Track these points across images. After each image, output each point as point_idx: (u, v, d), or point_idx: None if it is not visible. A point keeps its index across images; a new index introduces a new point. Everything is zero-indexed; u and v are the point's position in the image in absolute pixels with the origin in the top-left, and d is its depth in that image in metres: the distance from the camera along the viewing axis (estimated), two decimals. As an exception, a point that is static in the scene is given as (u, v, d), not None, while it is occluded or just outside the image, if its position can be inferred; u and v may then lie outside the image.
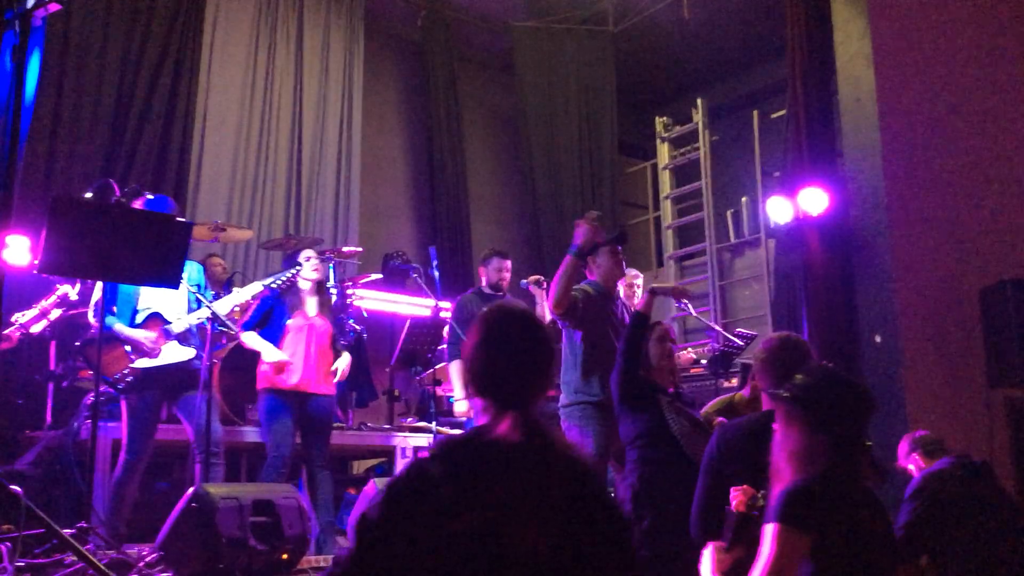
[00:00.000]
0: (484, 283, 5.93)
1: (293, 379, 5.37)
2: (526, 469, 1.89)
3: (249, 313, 5.54)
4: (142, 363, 4.88)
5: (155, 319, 4.99)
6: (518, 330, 2.14)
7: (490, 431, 1.96)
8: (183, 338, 5.02)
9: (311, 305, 5.55)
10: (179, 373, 4.99)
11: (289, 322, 5.45)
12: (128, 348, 4.89)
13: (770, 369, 3.24)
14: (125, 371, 4.84)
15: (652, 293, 4.41)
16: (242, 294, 5.18)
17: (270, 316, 5.47)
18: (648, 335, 4.23)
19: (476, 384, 2.10)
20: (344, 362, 5.56)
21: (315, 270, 5.53)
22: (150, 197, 5.10)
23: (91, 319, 4.99)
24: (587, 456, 2.11)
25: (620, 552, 1.96)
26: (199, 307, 5.02)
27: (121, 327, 4.91)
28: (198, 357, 5.03)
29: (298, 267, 5.43)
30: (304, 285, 5.52)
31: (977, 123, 7.24)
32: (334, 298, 6.21)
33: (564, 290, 4.66)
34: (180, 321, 5.01)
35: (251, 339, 5.44)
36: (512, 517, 1.82)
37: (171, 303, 5.06)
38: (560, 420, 4.88)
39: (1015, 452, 6.24)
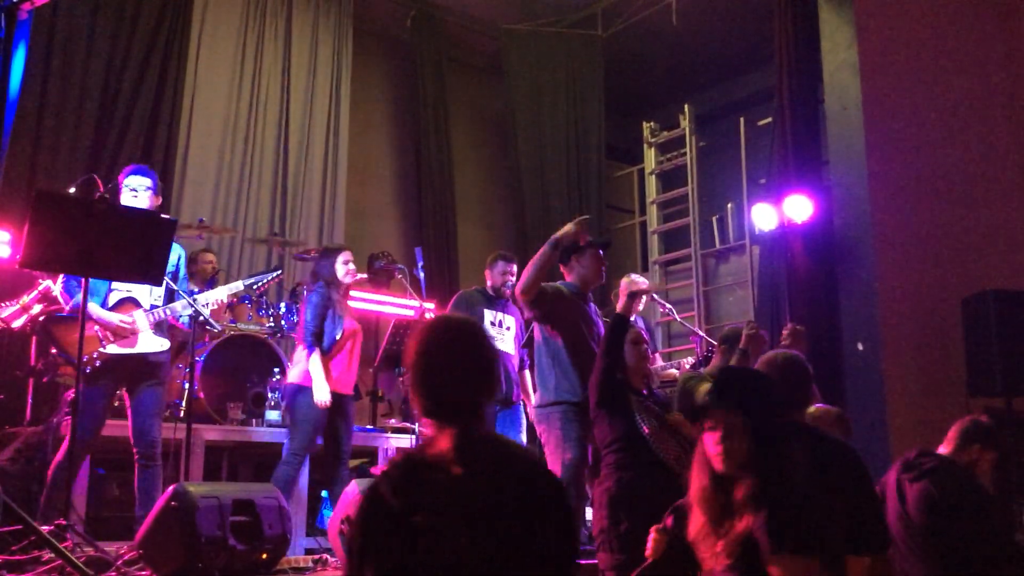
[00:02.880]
0: (488, 285, 5.96)
1: (331, 382, 5.32)
2: (459, 483, 1.95)
3: (302, 325, 5.38)
4: (112, 349, 4.66)
5: (128, 303, 4.78)
6: (453, 345, 2.14)
7: (429, 448, 2.04)
8: (158, 328, 4.83)
9: (346, 309, 5.55)
10: (140, 363, 4.78)
11: (345, 326, 5.41)
12: (98, 330, 4.64)
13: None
14: (94, 355, 4.63)
15: (631, 296, 4.42)
16: (219, 292, 5.05)
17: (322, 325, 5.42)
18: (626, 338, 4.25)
19: (416, 402, 2.13)
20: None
21: (350, 274, 5.50)
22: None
23: (56, 294, 4.85)
24: (530, 460, 2.12)
25: (558, 555, 1.99)
26: (174, 297, 4.87)
27: (95, 308, 4.64)
28: (169, 349, 4.94)
29: (279, 271, 5.40)
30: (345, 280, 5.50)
31: (962, 133, 7.29)
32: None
33: (534, 278, 4.69)
34: (154, 312, 4.78)
35: (315, 365, 5.23)
36: (448, 526, 1.89)
37: (146, 288, 4.84)
38: (537, 422, 4.89)
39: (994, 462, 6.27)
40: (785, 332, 5.19)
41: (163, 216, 4.75)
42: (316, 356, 5.25)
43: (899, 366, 6.46)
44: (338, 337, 5.38)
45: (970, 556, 3.76)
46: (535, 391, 5.07)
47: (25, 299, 5.12)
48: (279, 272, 5.39)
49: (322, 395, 5.17)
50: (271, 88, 8.63)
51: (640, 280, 5.87)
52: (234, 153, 8.33)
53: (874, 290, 6.64)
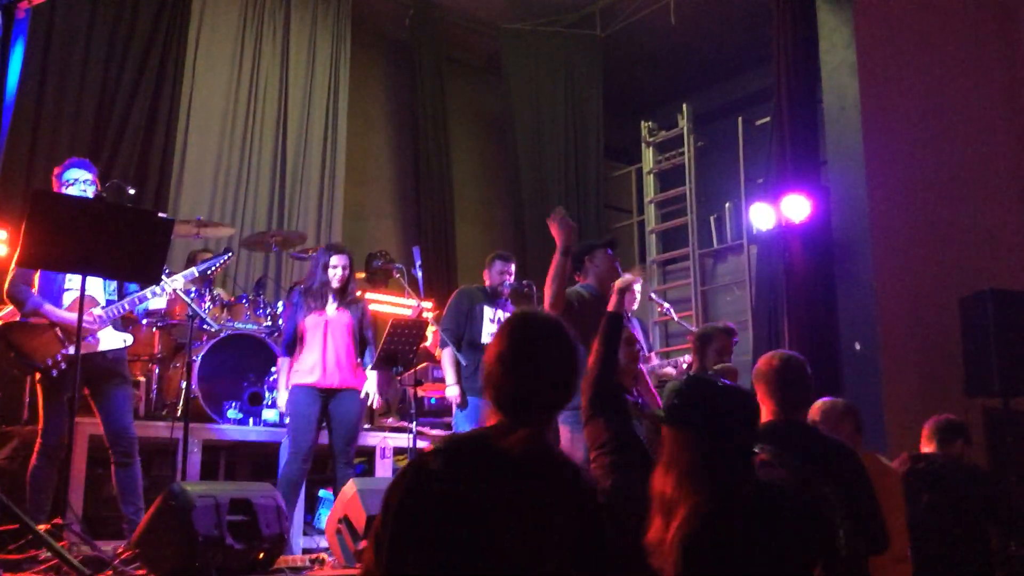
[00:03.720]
0: (487, 285, 5.97)
1: (314, 376, 5.35)
2: (524, 482, 1.90)
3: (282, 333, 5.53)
4: (73, 348, 4.51)
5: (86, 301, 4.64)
6: (545, 346, 2.07)
7: (498, 438, 1.96)
8: (117, 324, 4.77)
9: (332, 304, 5.53)
10: (103, 360, 4.72)
11: (307, 320, 5.43)
12: (58, 331, 4.57)
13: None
14: (58, 357, 4.55)
15: (620, 292, 4.38)
16: (176, 281, 4.94)
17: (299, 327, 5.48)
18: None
19: (494, 397, 2.05)
20: (371, 385, 5.54)
21: (338, 280, 5.49)
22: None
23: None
24: (588, 476, 2.09)
25: (598, 567, 1.96)
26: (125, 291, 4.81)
27: (52, 309, 4.55)
28: (129, 345, 4.88)
29: (229, 253, 5.41)
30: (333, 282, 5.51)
31: (960, 132, 7.30)
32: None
33: (558, 290, 4.71)
34: (112, 308, 4.72)
35: (281, 366, 5.53)
36: (500, 524, 1.84)
37: (99, 283, 4.77)
38: (562, 422, 4.89)
39: (992, 461, 6.29)
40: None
41: (160, 215, 4.75)
42: (282, 360, 5.52)
43: (897, 366, 6.46)
44: (298, 328, 5.43)
45: None
46: None
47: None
48: (229, 255, 5.40)
49: (280, 400, 5.44)
50: (269, 87, 8.62)
51: (626, 275, 5.85)
52: (232, 152, 8.33)
53: (872, 290, 6.64)
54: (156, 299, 4.90)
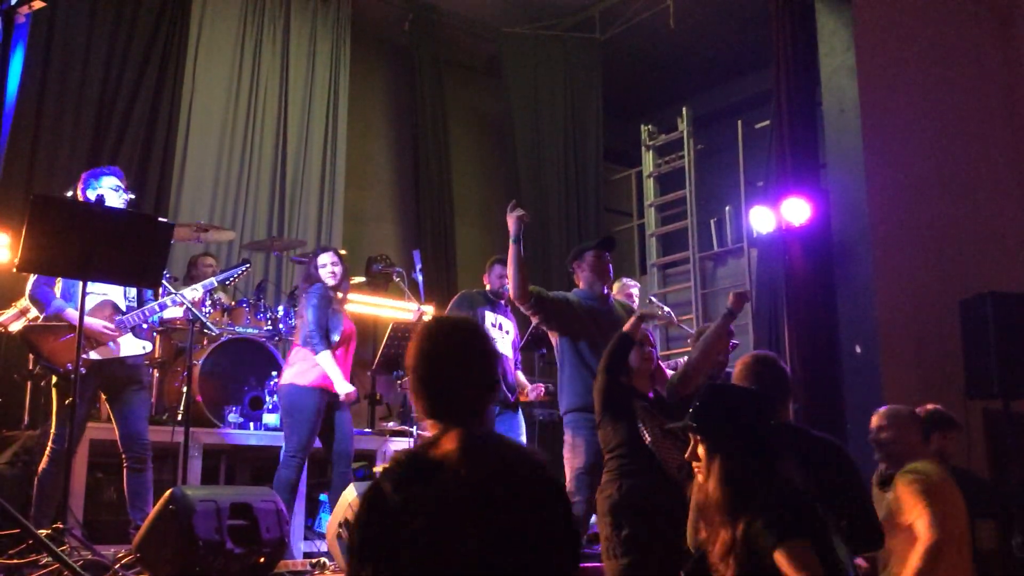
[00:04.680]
0: (487, 288, 5.97)
1: (322, 379, 5.33)
2: (466, 483, 1.93)
3: (304, 329, 5.39)
4: (94, 354, 4.60)
5: (105, 306, 4.72)
6: (450, 345, 2.13)
7: (432, 447, 2.03)
8: (137, 331, 4.79)
9: (343, 310, 5.55)
10: (121, 367, 4.75)
11: (343, 328, 5.44)
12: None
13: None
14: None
15: (640, 319, 4.38)
16: (196, 290, 5.01)
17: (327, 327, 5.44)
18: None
19: (423, 407, 2.11)
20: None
21: (331, 276, 5.49)
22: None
23: (28, 303, 4.82)
24: (534, 461, 2.11)
25: (560, 555, 2.00)
26: (144, 297, 4.84)
27: (73, 312, 4.47)
28: (149, 352, 4.93)
29: (247, 264, 5.43)
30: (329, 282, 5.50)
31: (959, 135, 7.30)
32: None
33: (518, 280, 4.70)
34: (132, 316, 4.73)
35: (328, 362, 5.31)
36: (453, 527, 1.89)
37: (119, 290, 4.79)
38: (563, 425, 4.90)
39: (992, 463, 6.28)
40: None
41: (161, 219, 4.75)
42: (327, 354, 5.31)
43: (897, 368, 6.46)
44: (336, 338, 5.40)
45: None
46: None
47: (23, 303, 5.12)
48: (248, 266, 5.45)
49: (344, 387, 5.30)
50: (269, 91, 8.63)
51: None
52: (232, 156, 8.33)
53: (872, 292, 6.64)
54: (174, 308, 4.93)
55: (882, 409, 4.12)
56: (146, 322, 4.85)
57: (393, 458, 2.07)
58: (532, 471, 2.04)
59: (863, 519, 3.18)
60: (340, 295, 5.58)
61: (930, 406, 4.68)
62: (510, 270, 4.73)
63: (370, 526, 1.95)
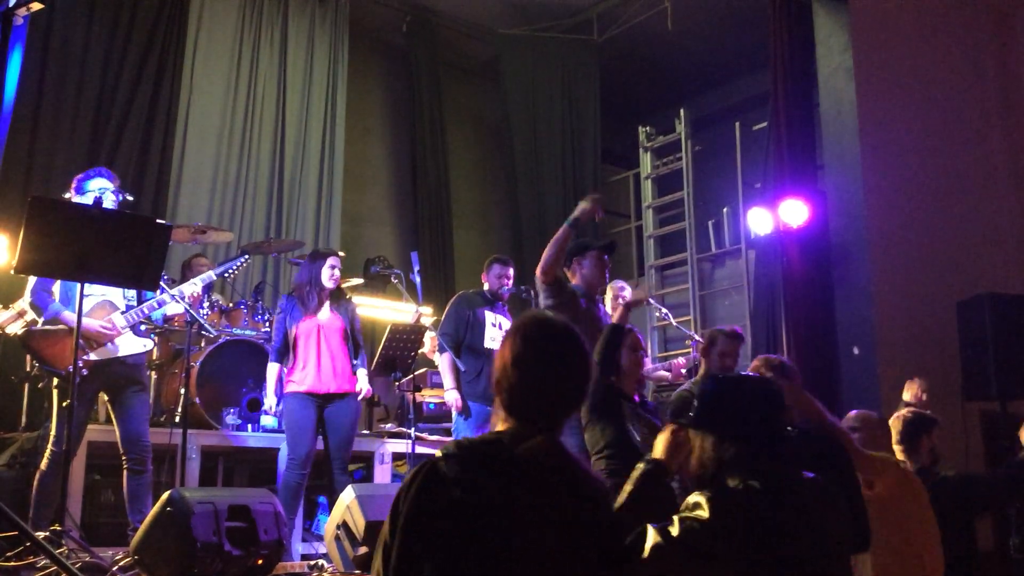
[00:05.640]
0: (486, 289, 5.98)
1: (309, 382, 5.34)
2: (542, 489, 1.87)
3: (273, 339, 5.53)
4: (94, 355, 4.61)
5: (103, 307, 4.72)
6: (558, 350, 2.03)
7: (514, 444, 1.93)
8: (136, 329, 4.80)
9: (325, 308, 5.52)
10: (121, 367, 4.76)
11: (299, 326, 5.41)
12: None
13: None
14: (79, 363, 4.45)
15: (627, 307, 4.40)
16: (195, 285, 5.01)
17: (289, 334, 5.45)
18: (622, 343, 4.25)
19: (507, 401, 2.01)
20: (363, 382, 5.53)
21: (331, 279, 5.49)
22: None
23: (26, 306, 4.83)
24: (600, 481, 2.07)
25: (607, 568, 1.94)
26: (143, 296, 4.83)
27: (71, 315, 4.44)
28: (149, 350, 4.94)
29: (246, 256, 5.45)
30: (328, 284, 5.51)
31: (956, 136, 7.31)
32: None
33: (554, 257, 4.80)
34: (131, 313, 4.75)
35: (270, 373, 5.52)
36: (518, 531, 1.82)
37: (118, 289, 4.80)
38: None
39: (989, 464, 6.29)
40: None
41: (158, 221, 4.74)
42: (272, 366, 5.51)
43: (894, 370, 6.46)
44: (288, 334, 5.42)
45: None
46: None
47: (21, 304, 5.11)
48: (247, 257, 5.48)
49: (269, 405, 5.54)
50: (267, 93, 8.63)
51: (637, 289, 5.86)
52: (230, 158, 8.32)
53: (869, 294, 6.66)
54: (174, 304, 4.93)
55: (852, 413, 4.13)
56: (147, 318, 4.85)
57: (456, 443, 1.96)
58: (583, 477, 1.98)
59: (857, 518, 3.18)
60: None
61: (906, 412, 4.67)
62: (551, 246, 4.80)
63: (422, 500, 1.85)
